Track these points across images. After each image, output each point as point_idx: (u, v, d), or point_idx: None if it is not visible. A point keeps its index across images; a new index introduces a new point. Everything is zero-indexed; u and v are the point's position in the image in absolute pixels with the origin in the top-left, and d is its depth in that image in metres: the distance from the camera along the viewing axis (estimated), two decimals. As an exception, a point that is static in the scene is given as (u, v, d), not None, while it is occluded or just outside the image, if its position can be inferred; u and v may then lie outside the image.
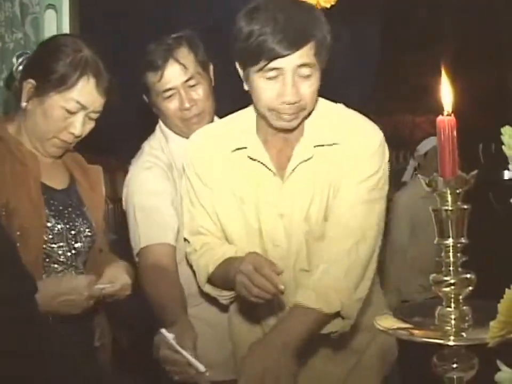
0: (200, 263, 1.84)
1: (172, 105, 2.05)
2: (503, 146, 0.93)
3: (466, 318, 1.03)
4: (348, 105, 1.85)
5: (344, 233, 1.71)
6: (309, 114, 1.74)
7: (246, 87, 1.73)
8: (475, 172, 1.06)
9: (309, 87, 1.67)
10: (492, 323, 0.90)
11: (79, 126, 1.81)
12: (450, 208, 1.02)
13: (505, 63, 3.83)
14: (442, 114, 1.03)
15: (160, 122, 2.16)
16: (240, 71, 1.72)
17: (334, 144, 1.75)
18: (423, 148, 3.82)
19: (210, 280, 1.82)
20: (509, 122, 0.97)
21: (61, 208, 1.86)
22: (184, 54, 2.04)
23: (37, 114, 1.81)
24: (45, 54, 1.84)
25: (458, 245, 1.04)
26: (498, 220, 3.86)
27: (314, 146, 1.75)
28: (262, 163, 1.77)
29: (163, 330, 1.58)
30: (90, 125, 1.86)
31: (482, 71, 3.97)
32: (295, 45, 1.60)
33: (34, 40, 2.41)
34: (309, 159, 1.75)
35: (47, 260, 1.81)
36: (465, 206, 1.03)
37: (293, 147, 1.76)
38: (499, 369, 1.00)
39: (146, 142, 2.17)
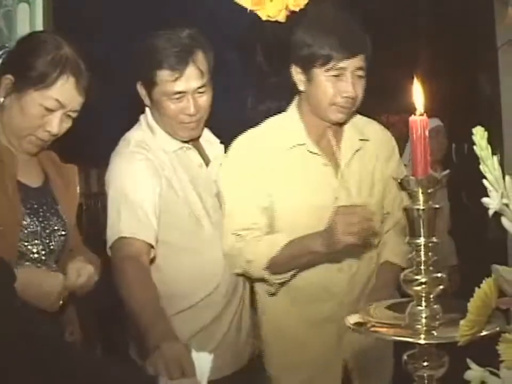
0: (259, 250, 2.04)
1: (175, 107, 2.02)
2: (474, 147, 0.93)
3: (437, 317, 1.04)
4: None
5: (395, 207, 2.16)
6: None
7: (302, 88, 2.06)
8: (447, 171, 1.06)
9: (361, 87, 2.03)
10: (462, 322, 0.91)
11: (56, 125, 1.79)
12: (421, 207, 1.03)
13: (478, 64, 3.87)
14: (415, 114, 1.04)
15: (148, 116, 2.12)
16: (299, 75, 2.05)
17: (367, 140, 2.15)
18: None
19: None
20: (480, 123, 0.97)
21: (36, 206, 1.85)
22: (201, 59, 2.03)
23: (14, 111, 1.79)
24: (24, 50, 1.82)
25: (430, 244, 1.04)
26: (470, 219, 3.89)
27: (359, 140, 2.14)
28: (319, 155, 2.10)
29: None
30: (68, 124, 1.84)
31: (455, 72, 4.01)
32: (357, 51, 1.99)
33: (7, 34, 2.38)
34: (357, 150, 2.13)
35: (21, 258, 1.78)
36: (437, 206, 1.04)
37: (338, 143, 2.13)
38: (469, 368, 1.01)
39: (131, 133, 2.12)
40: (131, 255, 1.91)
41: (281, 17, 1.91)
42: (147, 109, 2.14)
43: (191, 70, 1.99)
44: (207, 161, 2.18)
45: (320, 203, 2.06)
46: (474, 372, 0.99)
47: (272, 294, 2.15)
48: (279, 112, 2.24)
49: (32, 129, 1.79)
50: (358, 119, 2.18)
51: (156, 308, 1.81)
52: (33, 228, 1.81)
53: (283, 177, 2.09)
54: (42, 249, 1.83)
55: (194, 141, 2.17)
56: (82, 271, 1.79)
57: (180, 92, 2.00)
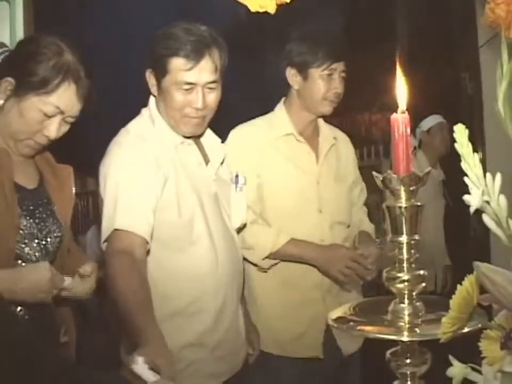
0: (261, 242, 2.36)
1: (183, 98, 2.01)
2: (455, 144, 0.93)
3: (420, 314, 1.05)
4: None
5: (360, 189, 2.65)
6: None
7: (296, 87, 2.46)
8: (428, 169, 1.07)
9: (343, 84, 2.46)
10: (443, 319, 0.91)
11: (55, 130, 1.79)
12: (404, 205, 1.03)
13: (459, 63, 3.89)
14: (397, 112, 1.04)
15: (152, 107, 2.10)
16: (295, 76, 2.44)
17: (336, 138, 2.58)
18: (426, 124, 3.88)
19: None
20: (462, 121, 0.98)
21: (31, 207, 1.84)
22: (216, 55, 2.02)
23: (12, 114, 1.78)
24: (25, 54, 1.80)
25: (412, 242, 1.05)
26: (452, 216, 3.92)
27: (333, 137, 2.57)
28: (304, 144, 2.48)
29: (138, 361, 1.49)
30: (65, 128, 1.84)
31: (437, 70, 4.03)
32: (344, 57, 2.45)
33: (-14, 31, 2.36)
34: (333, 145, 2.55)
35: (17, 259, 1.77)
36: (419, 203, 1.04)
37: (317, 135, 2.54)
38: (451, 364, 1.02)
39: (132, 124, 2.10)
40: (124, 249, 1.87)
41: (271, 9, 1.90)
42: (151, 100, 2.11)
43: (206, 62, 1.99)
44: (206, 161, 2.16)
45: (304, 185, 2.45)
46: (457, 368, 1.00)
47: (264, 270, 2.44)
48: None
49: (30, 134, 1.79)
50: (327, 124, 2.59)
51: (145, 306, 1.78)
52: (29, 229, 1.80)
53: (272, 161, 2.43)
54: (38, 251, 1.82)
55: (195, 139, 2.15)
56: (85, 282, 1.81)
57: (190, 83, 1.98)
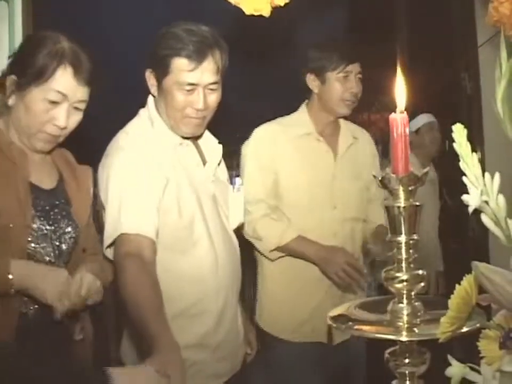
0: (270, 234, 2.54)
1: (184, 98, 2.00)
2: (454, 144, 0.93)
3: (418, 314, 1.04)
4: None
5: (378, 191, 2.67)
6: None
7: (316, 90, 2.65)
8: (427, 169, 1.07)
9: (360, 86, 2.63)
10: (442, 318, 0.91)
11: (63, 117, 1.78)
12: (402, 205, 1.03)
13: (458, 63, 3.89)
14: (396, 112, 1.04)
15: (151, 108, 2.09)
16: (314, 81, 2.64)
17: (357, 138, 2.74)
18: (414, 124, 3.77)
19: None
20: (461, 121, 0.98)
21: (47, 208, 1.83)
22: (218, 56, 2.02)
23: (19, 109, 1.79)
24: (24, 49, 1.83)
25: (411, 242, 1.05)
26: (451, 216, 3.92)
27: (353, 137, 2.72)
28: (323, 142, 2.65)
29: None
30: (77, 116, 1.83)
31: (436, 70, 4.03)
32: (358, 58, 2.64)
33: (-15, 31, 2.36)
34: (351, 144, 2.70)
35: (30, 259, 1.76)
36: (418, 203, 1.04)
37: (337, 135, 2.70)
38: (450, 364, 1.02)
39: (130, 126, 2.09)
40: (133, 252, 1.85)
41: (266, 12, 1.90)
42: (150, 101, 2.11)
43: (208, 63, 1.98)
44: (204, 161, 2.16)
45: (319, 182, 2.60)
46: (455, 368, 1.00)
47: (272, 260, 2.60)
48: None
49: (39, 125, 1.79)
50: (349, 124, 2.77)
51: (158, 311, 1.74)
52: (42, 231, 1.80)
53: (290, 158, 2.59)
54: (51, 252, 1.82)
55: (193, 140, 2.14)
56: (84, 280, 1.76)
57: (192, 84, 1.98)
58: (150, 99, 2.12)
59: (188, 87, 1.98)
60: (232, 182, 2.24)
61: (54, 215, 1.85)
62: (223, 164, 2.28)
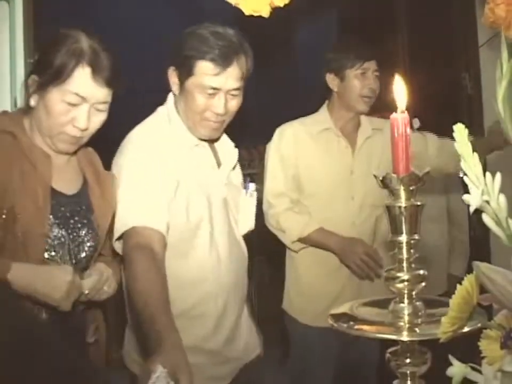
0: (293, 227, 2.71)
1: (205, 101, 1.98)
2: (455, 144, 0.93)
3: (420, 314, 1.04)
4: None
5: None
6: None
7: (335, 89, 2.78)
8: (428, 169, 1.07)
9: (378, 84, 2.75)
10: (443, 318, 0.91)
11: (83, 119, 1.72)
12: (403, 205, 1.03)
13: (459, 63, 3.89)
14: (396, 112, 1.04)
15: (170, 106, 2.08)
16: (333, 80, 2.77)
17: (379, 129, 2.80)
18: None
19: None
20: (462, 121, 0.98)
21: (68, 215, 1.79)
22: (243, 62, 1.99)
23: (40, 110, 1.74)
24: (46, 48, 1.77)
25: (412, 241, 1.05)
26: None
27: (372, 129, 2.81)
28: (341, 137, 2.77)
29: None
30: (100, 117, 1.77)
31: (437, 70, 4.03)
32: (374, 56, 2.77)
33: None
34: (368, 137, 2.80)
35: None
36: (419, 203, 1.04)
37: (356, 131, 2.81)
38: (451, 364, 1.02)
39: (147, 122, 2.08)
40: (144, 244, 1.82)
41: (265, 13, 1.90)
42: (170, 99, 2.09)
43: (233, 69, 1.96)
44: (219, 164, 2.14)
45: (338, 175, 2.73)
46: (456, 368, 1.00)
47: (296, 251, 2.77)
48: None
49: (60, 127, 1.73)
50: (372, 119, 2.87)
51: (166, 309, 1.71)
52: (60, 239, 1.76)
53: (311, 154, 2.74)
54: (68, 260, 1.77)
55: (210, 142, 2.13)
56: (94, 272, 1.76)
57: (215, 88, 1.96)
58: (170, 97, 2.10)
59: (210, 91, 1.96)
60: (245, 187, 2.22)
61: (74, 223, 1.80)
62: (238, 168, 2.26)
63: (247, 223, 2.21)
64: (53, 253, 1.74)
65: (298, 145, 2.75)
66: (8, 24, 2.40)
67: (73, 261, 1.79)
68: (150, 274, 1.76)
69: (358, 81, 2.73)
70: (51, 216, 1.74)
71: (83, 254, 1.82)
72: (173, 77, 2.03)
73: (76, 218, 1.81)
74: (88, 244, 1.83)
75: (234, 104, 2.02)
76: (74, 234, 1.79)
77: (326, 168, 2.74)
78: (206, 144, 2.10)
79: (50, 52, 1.72)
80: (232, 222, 2.13)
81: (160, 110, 2.11)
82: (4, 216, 1.65)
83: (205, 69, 1.95)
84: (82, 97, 1.71)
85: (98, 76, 1.71)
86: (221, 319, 2.06)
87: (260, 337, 2.33)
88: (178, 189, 1.97)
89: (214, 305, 2.04)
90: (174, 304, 1.94)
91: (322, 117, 2.84)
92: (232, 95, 2.00)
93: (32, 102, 1.75)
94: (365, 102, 2.75)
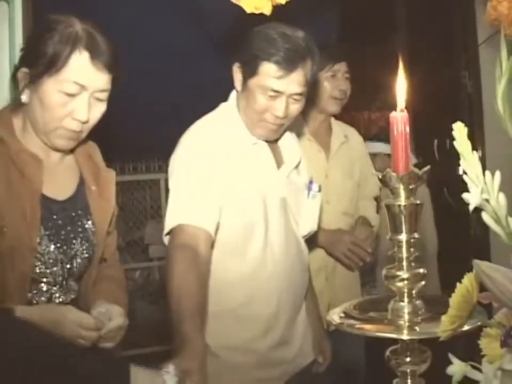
0: None
1: (266, 103, 1.95)
2: (454, 142, 0.93)
3: (419, 312, 1.04)
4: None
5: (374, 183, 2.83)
6: None
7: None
8: (427, 167, 1.07)
9: (349, 85, 2.76)
10: (443, 317, 0.91)
11: (84, 110, 1.57)
12: (403, 203, 1.03)
13: (459, 61, 3.89)
14: (396, 111, 1.04)
15: (232, 103, 2.06)
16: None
17: (347, 137, 2.84)
18: (370, 146, 3.45)
19: None
20: (462, 119, 0.98)
21: (60, 223, 1.66)
22: (308, 67, 1.96)
23: (34, 105, 1.59)
24: (34, 38, 1.64)
25: (412, 240, 1.05)
26: (452, 215, 3.91)
27: (344, 136, 2.83)
28: (314, 142, 2.74)
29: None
30: (100, 108, 1.63)
31: (437, 68, 4.03)
32: (344, 58, 2.77)
33: (-15, 32, 2.35)
34: (343, 143, 2.82)
35: (37, 281, 1.63)
36: (418, 202, 1.04)
37: (329, 134, 2.81)
38: (451, 362, 1.02)
39: (209, 118, 2.06)
40: (188, 243, 1.81)
41: (267, 10, 1.90)
42: (232, 95, 2.08)
43: (296, 74, 1.93)
44: (279, 163, 2.11)
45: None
46: (456, 366, 1.00)
47: None
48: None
49: (58, 121, 1.58)
50: (341, 124, 2.89)
51: (197, 313, 1.70)
52: (51, 254, 1.64)
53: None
54: (60, 275, 1.67)
55: (271, 141, 2.10)
56: (113, 313, 1.62)
57: (277, 91, 1.93)
58: (233, 94, 2.09)
59: (272, 93, 1.94)
60: (309, 188, 2.18)
61: (66, 234, 1.67)
62: (303, 168, 2.23)
63: (308, 224, 2.16)
64: (43, 269, 1.63)
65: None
66: (7, 24, 2.40)
67: (65, 275, 1.69)
68: (187, 275, 1.76)
69: (328, 82, 2.71)
70: (41, 227, 1.62)
71: (77, 267, 1.71)
72: (237, 74, 2.01)
73: (69, 228, 1.69)
74: (82, 256, 1.72)
75: (295, 108, 1.99)
76: (66, 247, 1.67)
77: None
78: (265, 143, 2.07)
79: (41, 40, 1.57)
80: (292, 222, 2.09)
81: (222, 105, 2.09)
82: None
83: (268, 71, 1.92)
84: (81, 86, 1.56)
85: (97, 60, 1.57)
86: (272, 321, 2.02)
87: (327, 343, 2.29)
88: (234, 187, 1.95)
89: (265, 307, 2.01)
90: (223, 301, 1.97)
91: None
92: (294, 99, 1.97)
93: (24, 98, 1.60)
94: (336, 103, 2.74)
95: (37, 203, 1.60)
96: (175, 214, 1.87)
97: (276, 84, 1.93)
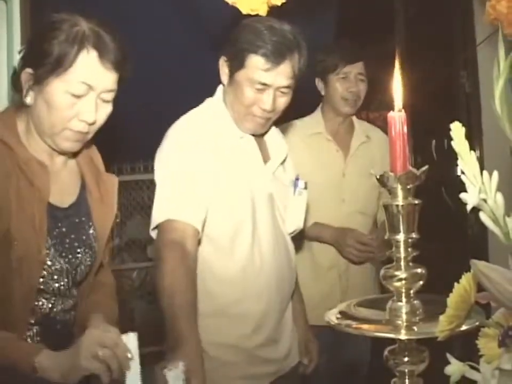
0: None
1: (253, 96, 1.95)
2: (452, 142, 0.93)
3: (417, 312, 1.04)
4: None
5: None
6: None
7: (323, 93, 2.86)
8: (425, 167, 1.07)
9: (363, 87, 2.81)
10: (441, 317, 0.91)
11: (91, 111, 1.54)
12: (401, 203, 1.03)
13: (457, 61, 3.89)
14: (394, 110, 1.04)
15: (218, 94, 2.06)
16: (320, 83, 2.85)
17: (369, 137, 2.89)
18: None
19: None
20: (460, 119, 0.98)
21: (64, 230, 1.62)
22: (296, 60, 1.97)
23: (40, 107, 1.54)
24: (38, 37, 1.57)
25: (409, 240, 1.05)
26: (450, 215, 3.91)
27: (365, 136, 2.89)
28: (332, 141, 2.84)
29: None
30: (106, 109, 1.59)
31: (435, 68, 4.03)
32: (359, 59, 2.80)
33: (-17, 32, 2.35)
34: (363, 143, 2.87)
35: (41, 291, 1.59)
36: (416, 201, 1.04)
37: (351, 135, 2.87)
38: (449, 362, 1.02)
39: (195, 112, 2.05)
40: (176, 240, 1.81)
41: (263, 11, 1.90)
42: (219, 90, 2.07)
43: (284, 67, 1.94)
44: (266, 159, 2.10)
45: (329, 178, 2.77)
46: (454, 366, 1.00)
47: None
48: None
49: (64, 123, 1.54)
50: (364, 123, 3.00)
51: (190, 310, 1.71)
52: (58, 265, 1.60)
53: (302, 156, 2.63)
54: (66, 284, 1.64)
55: (257, 136, 2.09)
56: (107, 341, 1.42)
57: (264, 84, 1.93)
58: (220, 88, 2.08)
59: (259, 86, 1.94)
60: (294, 185, 2.16)
61: (71, 242, 1.64)
62: (289, 164, 2.22)
63: (294, 222, 2.15)
64: (49, 279, 1.60)
65: (290, 148, 2.49)
66: (5, 24, 2.40)
67: (70, 284, 1.65)
68: (177, 273, 1.77)
69: (339, 84, 2.78)
70: (48, 238, 1.57)
71: (80, 275, 1.69)
72: (223, 67, 2.01)
73: (73, 235, 1.65)
74: (86, 263, 1.69)
75: (282, 101, 1.99)
76: (71, 256, 1.64)
77: (316, 171, 2.71)
78: (251, 137, 2.07)
79: (45, 39, 1.53)
80: (278, 219, 2.08)
81: (208, 100, 2.09)
82: None
83: (256, 63, 1.93)
84: (89, 86, 1.52)
85: (105, 59, 1.54)
86: (262, 319, 2.02)
87: (314, 344, 2.29)
88: (221, 182, 1.95)
89: (256, 304, 2.01)
90: (215, 299, 1.97)
91: (314, 120, 2.89)
92: (282, 92, 1.97)
93: (29, 100, 1.56)
94: (347, 104, 2.80)
95: (44, 212, 1.56)
96: (163, 208, 1.87)
97: (264, 77, 1.93)
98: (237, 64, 1.96)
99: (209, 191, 1.91)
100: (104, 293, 1.80)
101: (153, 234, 1.91)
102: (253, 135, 2.07)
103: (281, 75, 1.94)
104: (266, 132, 2.12)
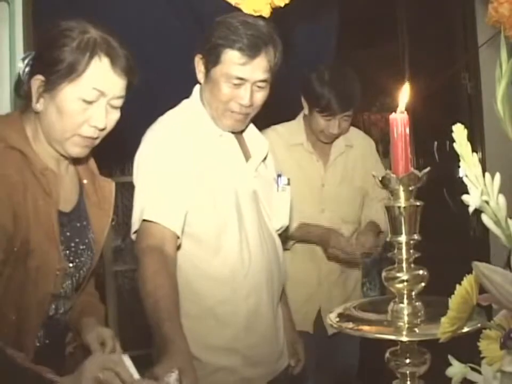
0: None
1: (230, 91, 1.94)
2: (454, 144, 0.93)
3: (419, 314, 1.04)
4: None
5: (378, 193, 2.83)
6: None
7: (306, 112, 2.78)
8: (427, 169, 1.07)
9: (346, 125, 2.80)
10: (443, 319, 0.91)
11: (102, 117, 1.56)
12: (403, 205, 1.03)
13: (459, 62, 3.89)
14: (396, 112, 1.04)
15: (195, 93, 2.05)
16: (305, 105, 2.76)
17: (351, 145, 2.86)
18: None
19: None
20: (462, 121, 0.98)
21: (68, 234, 1.64)
22: (271, 54, 1.96)
23: (50, 113, 1.55)
24: (48, 44, 1.58)
25: (411, 242, 1.05)
26: (452, 216, 3.91)
27: (345, 145, 2.85)
28: (314, 153, 2.82)
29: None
30: (115, 115, 1.61)
31: (437, 70, 4.03)
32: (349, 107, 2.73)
33: (-14, 33, 2.35)
34: (342, 153, 2.85)
35: (52, 296, 1.61)
36: (418, 203, 1.04)
37: (331, 144, 2.83)
38: (451, 364, 1.02)
39: (172, 112, 2.04)
40: (155, 245, 1.81)
41: (266, 13, 1.90)
42: (195, 89, 2.07)
43: (260, 60, 1.92)
44: (247, 157, 2.09)
45: (309, 188, 2.77)
46: (456, 368, 1.00)
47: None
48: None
49: (75, 129, 1.56)
50: (350, 131, 2.87)
51: (174, 313, 1.70)
52: (67, 269, 1.63)
53: (283, 166, 2.53)
54: (71, 288, 1.67)
55: (237, 133, 2.09)
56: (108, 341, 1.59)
57: (241, 79, 1.92)
58: (196, 87, 2.07)
59: (236, 81, 1.93)
60: (277, 181, 2.15)
61: (76, 246, 1.67)
62: (270, 161, 2.22)
63: (280, 219, 2.14)
64: (58, 284, 1.61)
65: (275, 155, 2.48)
66: (7, 25, 2.39)
67: (73, 287, 1.68)
68: (159, 277, 1.76)
69: (323, 121, 2.72)
70: (61, 246, 1.59)
71: (82, 278, 1.71)
72: (199, 65, 2.00)
73: (77, 239, 1.68)
74: (87, 266, 1.72)
75: (260, 96, 1.98)
76: (77, 260, 1.67)
77: (297, 180, 2.50)
78: (231, 135, 2.06)
79: (57, 46, 1.54)
80: (264, 217, 2.08)
81: (184, 102, 2.08)
82: (15, 249, 1.49)
83: (232, 58, 1.91)
84: (101, 92, 1.55)
85: (116, 65, 1.56)
86: (253, 316, 2.01)
87: (300, 345, 2.27)
88: (203, 181, 1.94)
89: (244, 302, 1.99)
90: (202, 300, 1.96)
91: (296, 128, 2.84)
92: (259, 87, 1.96)
93: (39, 106, 1.56)
94: (326, 139, 2.79)
95: (55, 220, 1.58)
96: (142, 212, 1.86)
97: (240, 71, 1.92)
98: (212, 60, 1.95)
99: (188, 193, 1.90)
100: (89, 294, 1.83)
101: (134, 237, 1.91)
102: (232, 132, 2.07)
103: (258, 69, 1.93)
104: (244, 130, 2.11)
